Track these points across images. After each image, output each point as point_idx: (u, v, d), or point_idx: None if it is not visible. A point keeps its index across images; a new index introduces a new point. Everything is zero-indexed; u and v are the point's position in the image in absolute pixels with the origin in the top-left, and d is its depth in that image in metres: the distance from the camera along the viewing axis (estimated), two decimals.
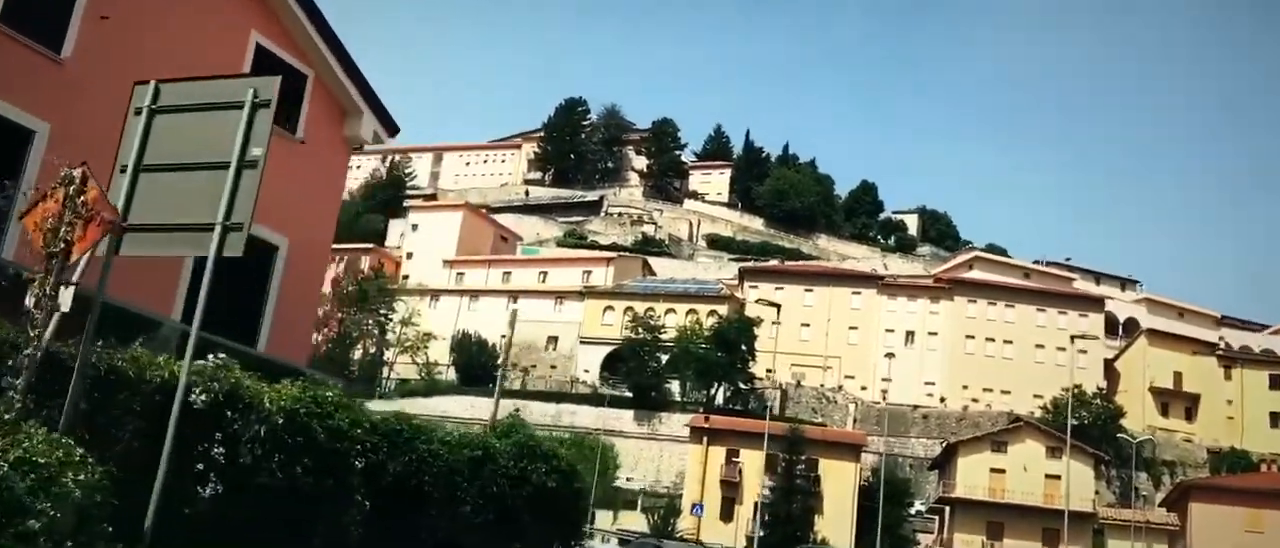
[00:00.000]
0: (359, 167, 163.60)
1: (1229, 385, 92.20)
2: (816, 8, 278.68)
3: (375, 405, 67.69)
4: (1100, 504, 74.28)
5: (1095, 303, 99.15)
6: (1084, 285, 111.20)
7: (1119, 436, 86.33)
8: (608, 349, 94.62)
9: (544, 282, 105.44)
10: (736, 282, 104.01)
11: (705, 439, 71.92)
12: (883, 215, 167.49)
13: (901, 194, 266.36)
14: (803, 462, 68.11)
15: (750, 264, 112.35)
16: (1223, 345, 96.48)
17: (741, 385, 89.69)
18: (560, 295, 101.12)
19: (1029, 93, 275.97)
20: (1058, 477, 67.91)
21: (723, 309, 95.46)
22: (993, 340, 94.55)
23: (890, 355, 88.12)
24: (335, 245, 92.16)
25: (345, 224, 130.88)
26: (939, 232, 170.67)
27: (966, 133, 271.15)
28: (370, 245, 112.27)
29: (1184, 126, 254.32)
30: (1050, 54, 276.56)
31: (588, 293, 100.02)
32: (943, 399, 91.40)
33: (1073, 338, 72.45)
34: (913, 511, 77.19)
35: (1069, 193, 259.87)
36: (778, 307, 77.72)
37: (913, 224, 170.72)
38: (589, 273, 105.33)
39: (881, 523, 64.05)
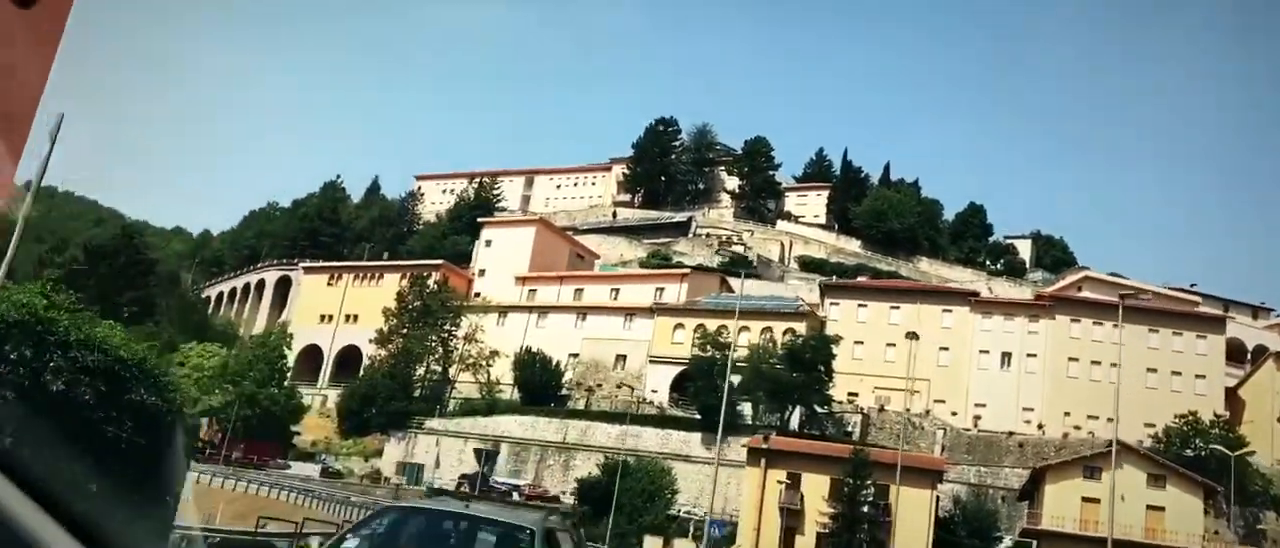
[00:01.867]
0: (449, 190, 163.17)
1: None
2: (927, 28, 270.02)
3: (434, 423, 63.40)
4: (1216, 541, 65.82)
5: (1216, 323, 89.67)
6: (1208, 310, 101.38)
7: (1244, 467, 77.51)
8: (678, 369, 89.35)
9: (616, 299, 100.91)
10: (818, 300, 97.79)
11: (763, 461, 66.05)
12: (992, 239, 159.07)
13: (1016, 220, 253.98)
14: (870, 487, 61.75)
15: (832, 280, 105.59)
16: None
17: (817, 409, 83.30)
18: (629, 312, 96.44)
19: (1162, 113, 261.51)
20: (1161, 509, 60.11)
21: (801, 327, 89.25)
22: (1098, 363, 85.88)
23: (987, 371, 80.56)
24: (403, 262, 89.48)
25: (431, 246, 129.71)
26: (1054, 258, 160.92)
27: (1087, 157, 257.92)
28: (439, 261, 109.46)
29: None
30: (1178, 76, 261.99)
31: (658, 309, 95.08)
32: (1040, 426, 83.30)
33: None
34: (1001, 545, 69.77)
35: (1202, 220, 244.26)
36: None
37: (1025, 249, 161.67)
38: (662, 290, 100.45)
39: None
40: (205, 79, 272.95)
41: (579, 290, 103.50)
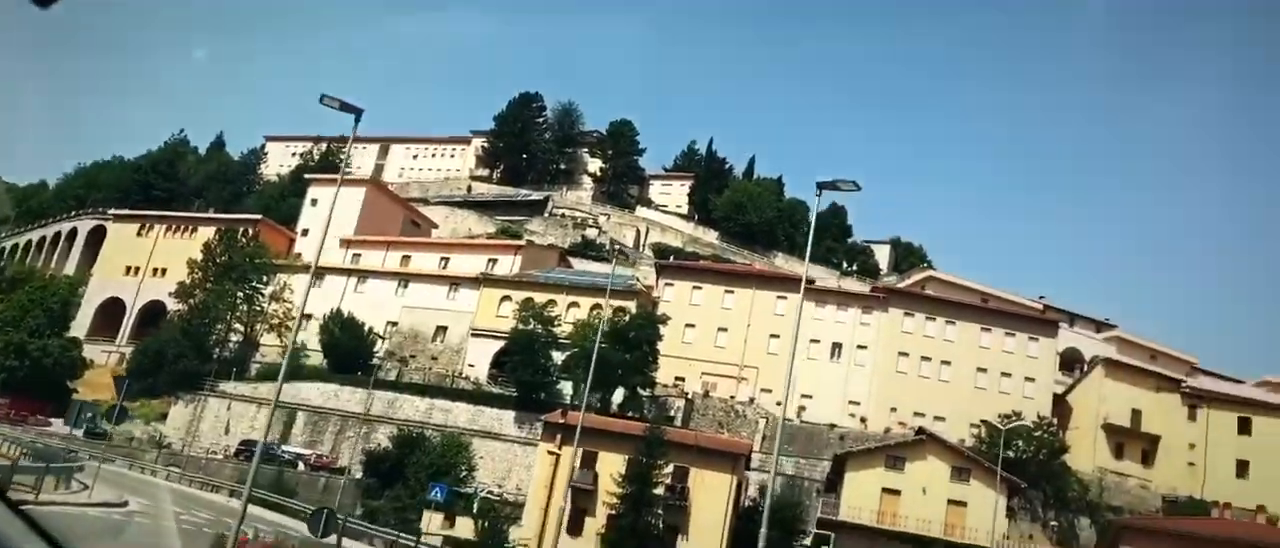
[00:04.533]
0: (296, 153, 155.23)
1: (1193, 428, 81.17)
2: (813, 30, 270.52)
3: (229, 387, 56.96)
4: (1028, 543, 63.67)
5: (1049, 327, 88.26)
6: (1062, 330, 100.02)
7: (1065, 472, 76.00)
8: (499, 344, 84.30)
9: (445, 268, 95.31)
10: (654, 280, 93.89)
11: (558, 438, 61.47)
12: (851, 241, 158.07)
13: (878, 228, 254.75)
14: (663, 468, 57.73)
15: (669, 261, 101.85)
16: (1188, 386, 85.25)
17: (641, 390, 79.20)
18: (454, 282, 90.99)
19: (1030, 140, 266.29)
20: (964, 504, 57.34)
21: (632, 306, 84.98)
22: (929, 360, 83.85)
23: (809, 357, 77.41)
24: (220, 215, 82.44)
25: (267, 207, 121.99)
26: (912, 264, 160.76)
27: (958, 172, 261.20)
28: (257, 216, 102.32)
29: (1194, 176, 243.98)
30: (1051, 100, 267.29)
31: (484, 280, 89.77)
32: (863, 420, 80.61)
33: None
34: (807, 540, 66.51)
35: (1061, 241, 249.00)
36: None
37: (884, 255, 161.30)
38: (495, 262, 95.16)
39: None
40: (69, 34, 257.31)
41: (406, 258, 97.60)
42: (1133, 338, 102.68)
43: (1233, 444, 79.54)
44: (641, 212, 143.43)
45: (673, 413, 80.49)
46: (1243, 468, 78.62)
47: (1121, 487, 78.53)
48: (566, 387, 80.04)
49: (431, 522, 59.21)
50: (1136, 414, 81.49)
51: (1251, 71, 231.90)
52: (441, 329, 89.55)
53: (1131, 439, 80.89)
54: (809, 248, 26.71)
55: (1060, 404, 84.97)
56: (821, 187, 25.50)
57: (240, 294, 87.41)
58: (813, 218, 30.62)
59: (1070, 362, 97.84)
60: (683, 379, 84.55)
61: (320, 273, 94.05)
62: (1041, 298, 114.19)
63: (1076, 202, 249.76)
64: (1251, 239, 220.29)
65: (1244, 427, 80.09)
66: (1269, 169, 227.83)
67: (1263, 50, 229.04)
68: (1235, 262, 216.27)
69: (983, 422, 74.43)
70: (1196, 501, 74.53)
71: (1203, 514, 67.01)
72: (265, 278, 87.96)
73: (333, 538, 38.51)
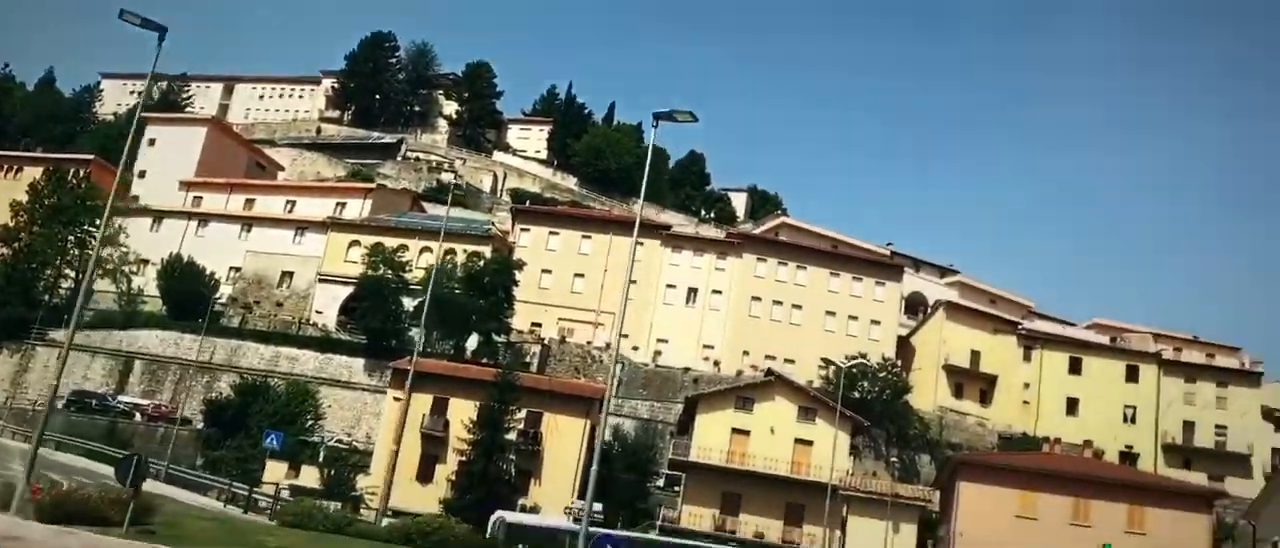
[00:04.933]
0: (135, 92, 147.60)
1: (1028, 368, 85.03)
2: None
3: (60, 335, 52.76)
4: (872, 480, 65.47)
5: (895, 271, 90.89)
6: (907, 275, 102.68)
7: (908, 411, 78.66)
8: (348, 289, 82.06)
9: (292, 212, 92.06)
10: (510, 225, 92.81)
11: (407, 384, 60.17)
12: (709, 189, 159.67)
13: (736, 177, 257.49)
14: (515, 413, 57.23)
15: (526, 205, 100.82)
16: (1024, 328, 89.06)
17: (496, 337, 78.33)
18: (301, 226, 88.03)
19: (884, 92, 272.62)
20: (810, 442, 58.64)
21: (487, 251, 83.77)
22: (781, 304, 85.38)
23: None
24: (48, 154, 76.84)
25: (103, 147, 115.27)
26: (767, 212, 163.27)
27: (814, 122, 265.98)
28: (89, 156, 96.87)
29: (1034, 130, 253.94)
30: (906, 53, 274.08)
31: (331, 224, 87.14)
32: (717, 363, 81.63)
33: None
34: (660, 482, 67.22)
35: (911, 192, 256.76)
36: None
37: (742, 203, 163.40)
38: (343, 205, 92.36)
39: (593, 483, 53.67)
40: None
41: (250, 201, 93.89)
42: (974, 283, 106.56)
43: (1064, 383, 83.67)
44: (499, 156, 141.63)
45: (529, 359, 79.94)
46: (1073, 406, 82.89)
47: (961, 425, 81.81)
48: (418, 333, 78.61)
49: (274, 472, 57.51)
50: (976, 355, 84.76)
51: (1088, 26, 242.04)
52: (287, 275, 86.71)
53: (971, 379, 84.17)
54: (645, 178, 26.22)
55: (905, 346, 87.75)
56: (658, 117, 25.52)
57: (70, 238, 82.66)
58: (649, 148, 30.52)
59: (915, 306, 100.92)
60: (540, 325, 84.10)
61: (158, 216, 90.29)
62: (889, 245, 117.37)
63: (925, 154, 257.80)
64: (1085, 190, 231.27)
65: (1075, 367, 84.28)
66: (1104, 120, 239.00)
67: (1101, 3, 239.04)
68: (1073, 211, 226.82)
69: (826, 361, 76.28)
70: (1030, 437, 78.21)
71: (1035, 449, 70.27)
72: (98, 222, 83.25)
73: (162, 488, 36.96)
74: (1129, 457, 78.90)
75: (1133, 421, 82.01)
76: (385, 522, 37.14)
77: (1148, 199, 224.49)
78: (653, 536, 49.68)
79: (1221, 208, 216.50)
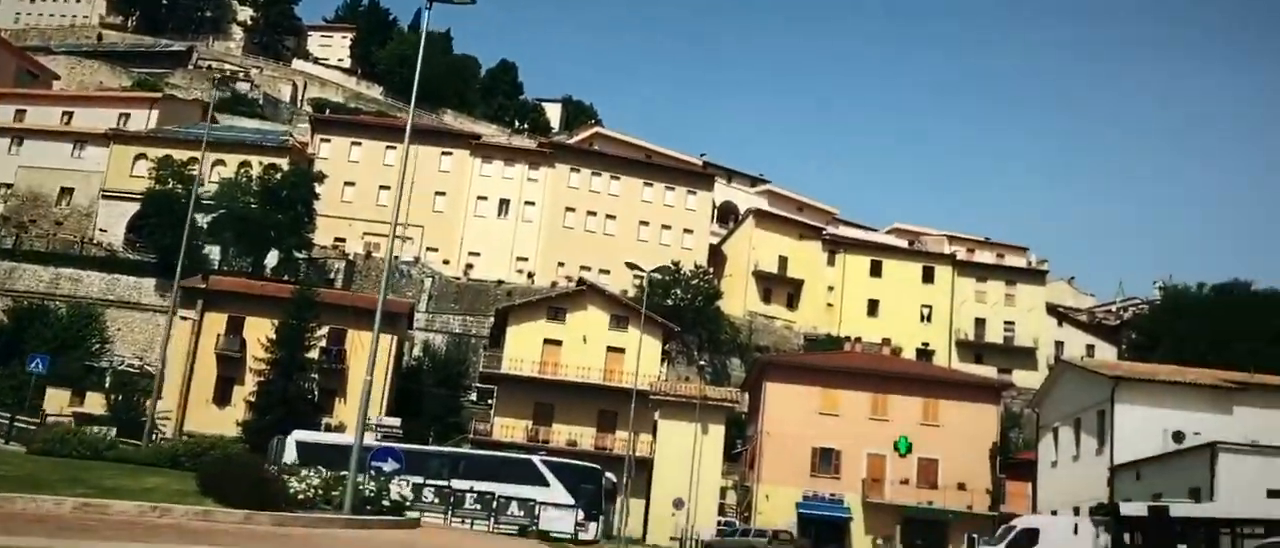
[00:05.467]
0: None
1: (832, 273, 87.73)
2: None
3: None
4: (686, 385, 66.41)
5: (706, 180, 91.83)
6: (719, 186, 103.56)
7: (719, 317, 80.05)
8: (135, 206, 76.93)
9: (68, 124, 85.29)
10: (309, 137, 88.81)
11: (200, 304, 57.24)
12: (522, 98, 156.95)
13: (552, 86, 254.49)
14: (315, 330, 55.18)
15: (325, 115, 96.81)
16: (828, 234, 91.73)
17: (297, 253, 75.18)
18: (80, 139, 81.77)
19: (695, 5, 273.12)
20: (622, 350, 58.84)
21: (284, 163, 79.91)
22: (595, 214, 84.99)
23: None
24: None
25: None
26: (583, 123, 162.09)
27: (625, 25, 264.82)
28: None
29: (845, 41, 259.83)
30: None
31: (114, 137, 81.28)
32: (531, 275, 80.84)
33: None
34: (473, 396, 66.47)
35: (723, 101, 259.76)
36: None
37: (556, 114, 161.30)
38: (127, 117, 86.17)
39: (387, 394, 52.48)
40: None
41: (21, 112, 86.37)
42: (783, 191, 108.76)
43: (866, 286, 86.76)
44: (299, 65, 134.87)
45: (333, 275, 77.38)
46: (874, 307, 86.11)
47: (769, 328, 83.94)
48: (214, 251, 74.72)
49: (56, 400, 53.86)
50: (783, 261, 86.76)
51: None
52: (67, 192, 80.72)
53: (779, 284, 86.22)
54: (418, 67, 24.65)
55: (717, 254, 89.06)
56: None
57: None
58: (423, 34, 29.30)
59: (727, 215, 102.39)
60: (343, 240, 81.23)
61: None
62: (702, 156, 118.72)
63: (737, 65, 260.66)
64: (887, 99, 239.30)
65: (876, 270, 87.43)
66: (902, 33, 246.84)
67: None
68: (879, 119, 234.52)
69: (632, 268, 76.56)
70: (834, 337, 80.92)
71: (837, 349, 72.81)
72: None
73: None
74: (926, 353, 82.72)
75: (929, 319, 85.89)
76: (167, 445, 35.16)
77: (944, 107, 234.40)
78: (447, 448, 48.91)
79: (1011, 116, 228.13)
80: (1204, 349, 59.71)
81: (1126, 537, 29.65)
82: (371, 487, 18.78)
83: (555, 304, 61.71)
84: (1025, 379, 75.83)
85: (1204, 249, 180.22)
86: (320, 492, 17.40)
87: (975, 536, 47.30)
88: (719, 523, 53.11)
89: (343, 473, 18.03)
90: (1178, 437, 40.70)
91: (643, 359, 56.22)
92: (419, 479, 38.48)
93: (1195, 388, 43.79)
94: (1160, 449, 40.30)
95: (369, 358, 21.33)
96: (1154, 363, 54.04)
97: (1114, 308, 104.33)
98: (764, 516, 53.60)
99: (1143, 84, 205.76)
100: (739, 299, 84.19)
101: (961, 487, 55.77)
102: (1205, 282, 72.31)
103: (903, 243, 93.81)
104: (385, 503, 18.56)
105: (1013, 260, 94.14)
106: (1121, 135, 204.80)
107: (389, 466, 20.09)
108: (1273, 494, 33.93)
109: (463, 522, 35.13)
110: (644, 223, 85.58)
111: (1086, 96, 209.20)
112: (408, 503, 20.30)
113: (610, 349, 58.32)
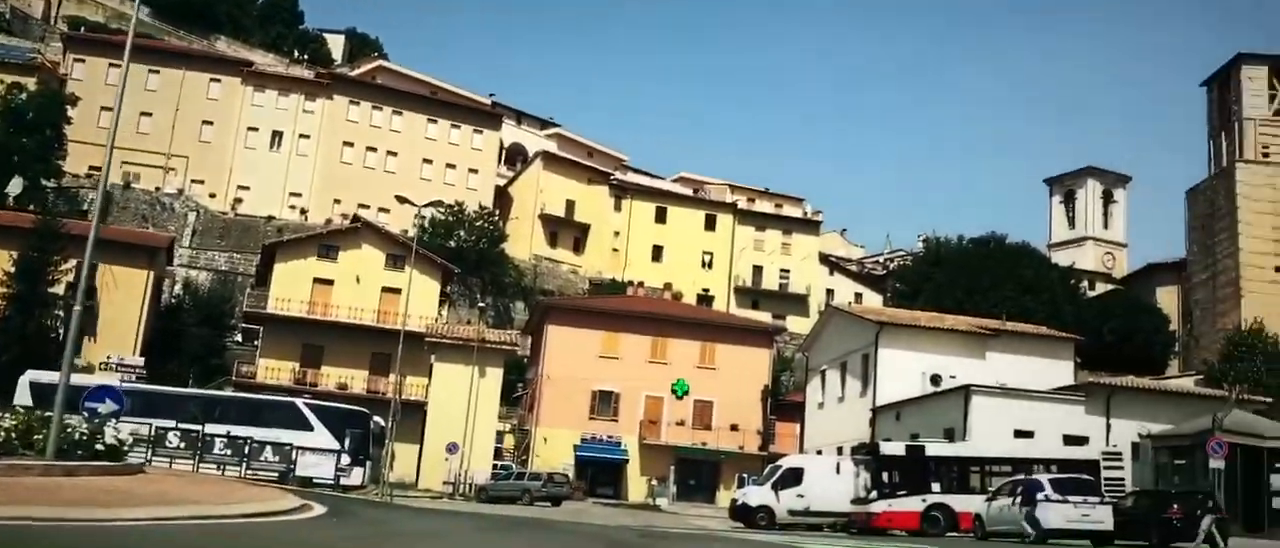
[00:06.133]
0: None
1: (618, 218, 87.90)
2: None
3: None
4: (466, 327, 65.07)
5: (493, 119, 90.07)
6: (508, 127, 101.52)
7: (504, 259, 78.98)
8: None
9: None
10: (61, 56, 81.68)
11: None
12: (303, 27, 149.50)
13: (335, 17, 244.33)
14: (61, 264, 50.78)
15: (80, 33, 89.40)
16: (616, 179, 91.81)
17: (45, 181, 69.07)
18: None
19: None
20: (398, 291, 56.91)
21: (30, 82, 73.10)
22: (375, 150, 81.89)
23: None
24: None
25: None
26: (368, 56, 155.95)
27: None
28: None
29: None
30: None
31: None
32: (305, 211, 77.30)
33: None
34: (238, 336, 63.08)
35: (515, 42, 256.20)
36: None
37: (339, 46, 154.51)
38: None
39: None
40: None
41: None
42: (572, 136, 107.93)
43: (651, 232, 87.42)
44: None
45: (86, 206, 71.57)
46: (658, 253, 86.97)
47: (555, 272, 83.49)
48: None
49: None
50: (571, 205, 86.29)
51: None
52: None
53: (566, 228, 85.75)
54: None
55: (503, 196, 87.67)
56: None
57: None
58: None
59: (516, 157, 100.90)
60: (99, 169, 75.08)
61: None
62: (491, 95, 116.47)
63: (532, 7, 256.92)
64: (676, 50, 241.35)
65: (661, 216, 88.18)
66: None
67: None
68: (668, 69, 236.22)
69: (403, 201, 74.43)
70: (618, 282, 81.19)
71: (621, 293, 73.06)
72: None
73: None
74: (706, 299, 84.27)
75: (710, 266, 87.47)
76: None
77: (728, 61, 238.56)
78: (202, 390, 46.26)
79: (791, 73, 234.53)
80: (961, 298, 63.03)
81: (885, 475, 30.76)
82: (84, 430, 16.95)
83: (327, 242, 59.02)
84: (798, 325, 78.42)
85: (964, 205, 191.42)
86: (17, 435, 15.51)
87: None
88: (495, 467, 52.43)
89: (50, 415, 16.16)
90: (935, 379, 42.68)
91: (420, 300, 54.66)
92: (169, 423, 36.12)
93: (952, 333, 46.00)
94: (919, 391, 42.14)
95: (76, 291, 19.23)
96: (916, 310, 56.62)
97: (882, 259, 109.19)
98: (542, 459, 53.28)
99: (911, 50, 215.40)
100: (525, 242, 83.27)
101: (734, 428, 57.01)
102: (964, 235, 76.16)
103: (687, 191, 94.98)
104: (99, 447, 16.78)
105: (790, 211, 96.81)
106: (891, 97, 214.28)
107: (106, 407, 18.23)
108: (1019, 434, 35.99)
109: (216, 469, 33.02)
110: (427, 161, 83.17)
111: (861, 65, 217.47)
112: (126, 447, 18.49)
113: (386, 290, 56.26)
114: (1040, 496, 25.20)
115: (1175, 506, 24.65)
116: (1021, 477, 27.68)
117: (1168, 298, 72.76)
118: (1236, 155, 65.78)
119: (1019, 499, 26.07)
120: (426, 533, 14.75)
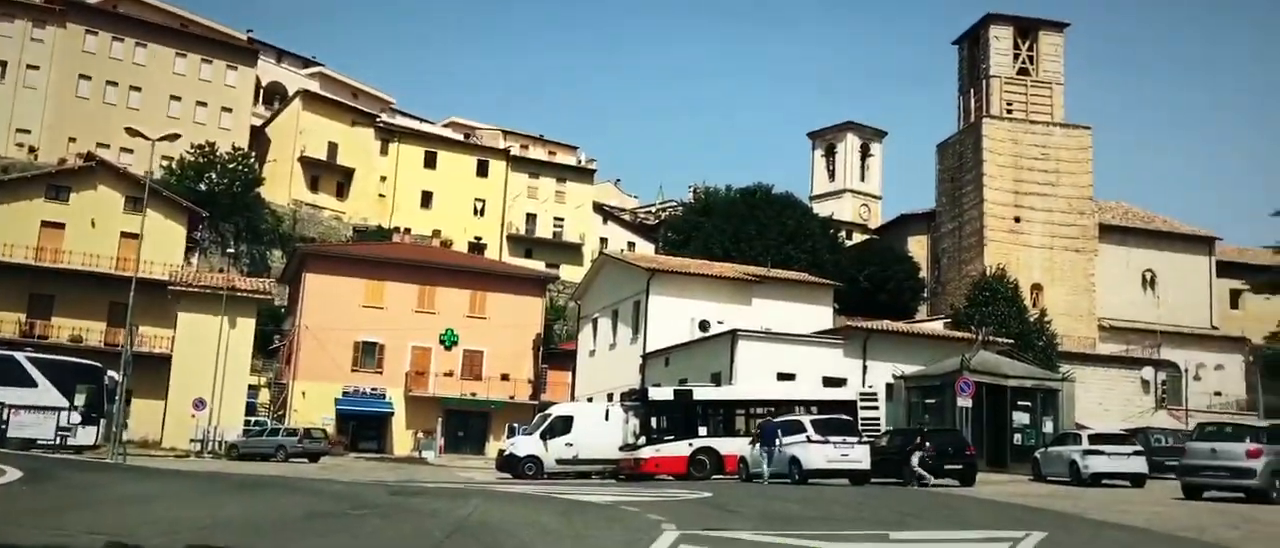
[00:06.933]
0: None
1: (385, 162, 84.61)
2: None
3: None
4: (204, 274, 61.03)
5: (249, 55, 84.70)
6: (266, 65, 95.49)
7: (261, 204, 74.70)
8: None
9: None
10: None
11: None
12: None
13: None
14: None
15: None
16: (382, 121, 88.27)
17: None
18: None
19: None
20: (137, 236, 52.58)
21: None
22: (116, 85, 75.37)
23: None
24: None
25: None
26: None
27: None
28: None
29: None
30: None
31: None
32: (34, 150, 70.44)
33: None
34: None
35: None
36: None
37: None
38: None
39: None
40: None
41: None
42: (336, 75, 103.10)
43: (419, 177, 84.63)
44: None
45: None
46: (428, 199, 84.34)
47: (316, 218, 79.65)
48: None
49: None
50: (334, 148, 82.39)
51: None
52: None
53: (328, 172, 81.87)
54: None
55: (260, 137, 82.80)
56: None
57: None
58: None
59: (275, 96, 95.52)
60: None
61: None
62: (249, 31, 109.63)
63: None
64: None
65: (430, 161, 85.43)
66: None
67: None
68: (441, 8, 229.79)
69: (134, 134, 69.23)
70: (384, 229, 78.24)
71: (387, 240, 70.38)
72: None
73: None
74: (478, 247, 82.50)
75: (483, 213, 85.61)
76: None
77: (501, 5, 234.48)
78: None
79: (567, 17, 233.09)
80: (729, 246, 64.09)
81: (653, 420, 30.66)
82: None
83: (56, 181, 53.61)
84: (571, 274, 77.98)
85: (733, 158, 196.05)
86: None
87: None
88: (248, 423, 49.47)
89: None
90: (703, 325, 43.05)
91: (163, 246, 50.73)
92: None
93: (720, 280, 46.51)
94: (689, 337, 42.36)
95: None
96: (686, 258, 57.09)
97: (655, 209, 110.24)
98: (300, 414, 50.74)
99: (687, 5, 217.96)
100: (284, 186, 78.97)
101: (505, 378, 56.13)
102: (732, 185, 77.42)
103: (459, 136, 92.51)
104: None
105: (565, 159, 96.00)
106: (668, 52, 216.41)
107: None
108: (783, 377, 36.66)
109: None
110: (175, 98, 77.34)
111: (639, 19, 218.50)
112: None
113: (125, 235, 51.65)
114: (778, 441, 25.65)
115: (928, 444, 25.57)
116: (784, 416, 28.10)
117: (918, 247, 76.43)
118: (984, 111, 69.42)
119: (759, 442, 26.55)
120: (132, 497, 13.03)
